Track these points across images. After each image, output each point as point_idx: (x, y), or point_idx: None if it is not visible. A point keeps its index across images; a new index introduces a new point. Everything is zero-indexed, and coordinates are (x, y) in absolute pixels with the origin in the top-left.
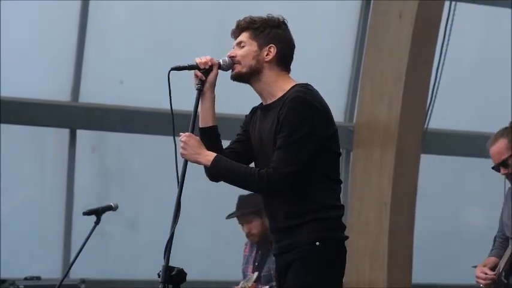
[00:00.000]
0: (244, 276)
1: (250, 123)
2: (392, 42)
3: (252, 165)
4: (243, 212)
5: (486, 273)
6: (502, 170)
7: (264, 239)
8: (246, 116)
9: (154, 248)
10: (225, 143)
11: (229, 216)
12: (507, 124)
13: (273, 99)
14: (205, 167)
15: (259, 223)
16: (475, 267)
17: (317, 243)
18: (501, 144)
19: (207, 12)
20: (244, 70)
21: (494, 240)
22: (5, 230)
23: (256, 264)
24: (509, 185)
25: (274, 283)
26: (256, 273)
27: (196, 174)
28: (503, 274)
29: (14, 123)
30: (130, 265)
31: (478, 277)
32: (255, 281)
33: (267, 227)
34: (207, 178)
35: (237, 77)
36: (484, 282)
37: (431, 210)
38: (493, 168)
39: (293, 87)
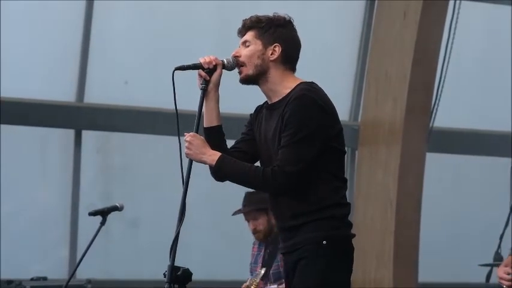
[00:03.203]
0: (252, 275)
1: (255, 122)
2: (396, 41)
3: (258, 164)
4: (248, 208)
5: (509, 274)
6: None
7: (270, 236)
8: (250, 114)
9: (159, 247)
10: (230, 143)
11: (236, 213)
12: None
13: (278, 98)
14: (210, 167)
15: (265, 220)
16: (485, 265)
17: (324, 241)
18: None
19: (210, 11)
20: (250, 72)
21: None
22: (11, 231)
23: (264, 263)
24: None
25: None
26: (263, 269)
27: (199, 175)
28: None
29: (19, 124)
30: (135, 265)
31: (501, 278)
32: (262, 279)
33: (273, 224)
34: (212, 178)
35: (246, 80)
36: (508, 284)
37: (436, 208)
38: None
39: (298, 85)
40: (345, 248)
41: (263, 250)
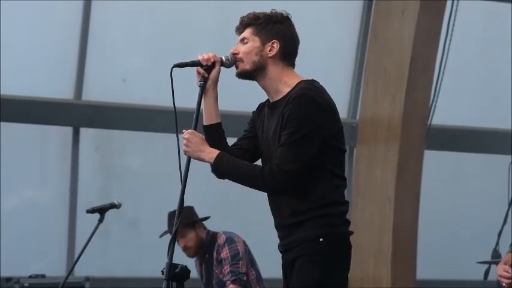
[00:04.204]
0: None
1: (257, 120)
2: (395, 39)
3: (259, 162)
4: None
5: (509, 272)
6: None
7: (202, 248)
8: (253, 112)
9: (158, 245)
10: (230, 140)
11: (163, 234)
12: (510, 119)
13: (279, 96)
14: (210, 165)
15: (193, 235)
16: (483, 263)
17: (321, 239)
18: None
19: (210, 11)
20: (247, 67)
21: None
22: (10, 229)
23: (207, 277)
24: None
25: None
26: None
27: (198, 173)
28: None
29: (17, 121)
30: (134, 263)
31: (500, 276)
32: None
33: (202, 237)
34: (210, 177)
35: (242, 75)
36: (507, 282)
37: (435, 205)
38: None
39: (298, 83)
40: (343, 245)
41: (201, 265)
